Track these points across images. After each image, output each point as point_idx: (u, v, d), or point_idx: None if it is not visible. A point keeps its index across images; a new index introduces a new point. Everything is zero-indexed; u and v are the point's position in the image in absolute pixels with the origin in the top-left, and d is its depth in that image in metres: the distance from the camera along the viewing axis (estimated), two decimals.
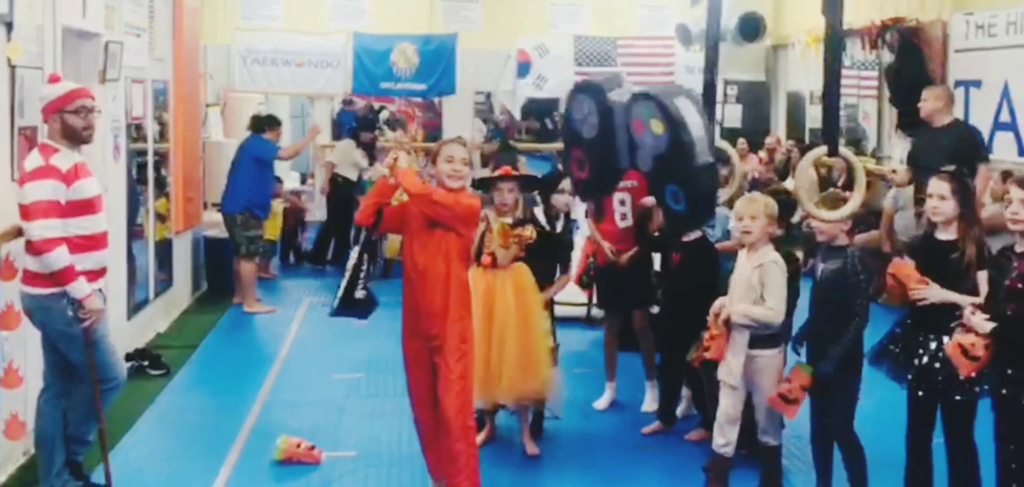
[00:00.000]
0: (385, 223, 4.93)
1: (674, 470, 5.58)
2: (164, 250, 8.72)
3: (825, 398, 4.78)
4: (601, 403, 6.59)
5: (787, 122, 13.95)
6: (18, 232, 4.81)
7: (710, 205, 5.61)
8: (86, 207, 4.74)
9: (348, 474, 5.47)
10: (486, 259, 5.49)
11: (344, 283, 4.99)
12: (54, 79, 5.08)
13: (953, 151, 6.87)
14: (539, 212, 6.05)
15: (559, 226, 6.06)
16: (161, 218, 8.61)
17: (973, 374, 4.19)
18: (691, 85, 13.56)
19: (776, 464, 5.07)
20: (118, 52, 7.11)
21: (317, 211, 12.48)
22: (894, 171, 8.95)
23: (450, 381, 4.74)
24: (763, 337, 4.89)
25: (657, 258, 6.48)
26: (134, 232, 7.80)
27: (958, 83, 9.03)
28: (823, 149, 5.37)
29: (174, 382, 7.13)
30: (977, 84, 8.97)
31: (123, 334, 7.31)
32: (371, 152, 11.83)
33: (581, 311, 8.31)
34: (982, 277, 4.33)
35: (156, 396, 6.74)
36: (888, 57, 10.46)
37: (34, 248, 4.62)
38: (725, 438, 4.99)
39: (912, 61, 9.78)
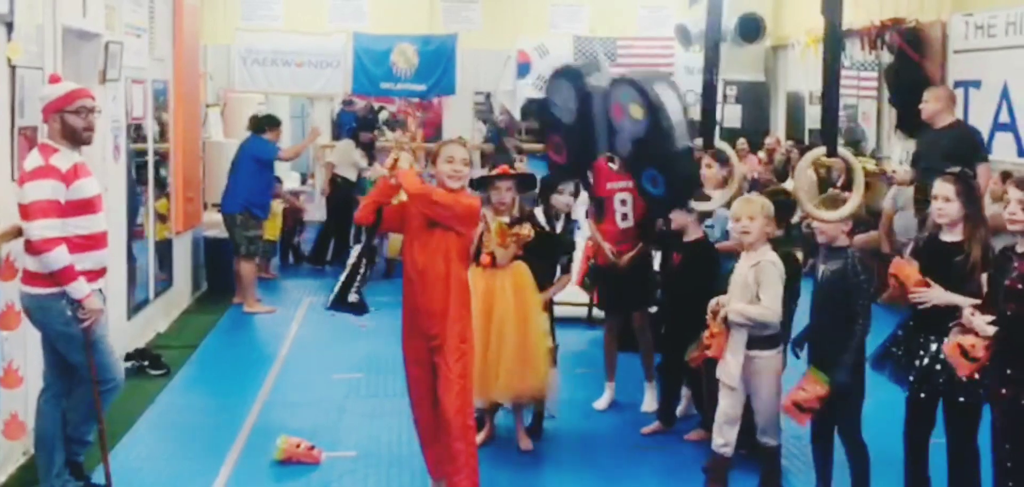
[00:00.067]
0: (385, 223, 4.94)
1: (673, 470, 5.59)
2: (164, 250, 8.72)
3: (832, 400, 4.78)
4: (601, 403, 6.60)
5: (787, 123, 13.96)
6: (18, 232, 4.81)
7: (687, 189, 5.65)
8: (86, 207, 4.74)
9: (348, 474, 5.47)
10: (485, 259, 5.50)
11: (342, 279, 5.01)
12: (54, 79, 5.08)
13: (951, 151, 6.88)
14: (539, 212, 6.05)
15: (559, 226, 6.06)
16: (161, 218, 8.61)
17: (973, 375, 4.19)
18: (690, 86, 13.69)
19: (775, 464, 5.07)
20: (118, 52, 7.12)
21: (316, 212, 12.49)
22: (894, 171, 8.94)
23: (450, 380, 4.75)
24: (762, 338, 4.89)
25: (656, 258, 6.50)
26: (134, 232, 7.80)
27: (958, 84, 9.04)
28: (822, 150, 5.38)
29: (174, 382, 7.13)
30: (976, 85, 8.97)
31: (123, 334, 7.32)
32: (370, 152, 11.84)
33: (582, 311, 8.32)
34: (984, 278, 4.34)
35: (156, 396, 6.74)
36: (888, 58, 10.47)
37: (34, 248, 4.62)
38: (724, 438, 5.00)
39: (912, 62, 9.79)
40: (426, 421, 4.97)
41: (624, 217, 6.36)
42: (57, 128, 4.77)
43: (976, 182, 4.63)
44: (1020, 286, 4.03)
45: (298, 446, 5.60)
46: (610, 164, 6.21)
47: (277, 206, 10.84)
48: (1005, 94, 8.58)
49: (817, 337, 4.84)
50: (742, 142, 11.69)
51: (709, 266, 5.78)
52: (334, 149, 12.08)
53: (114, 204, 7.00)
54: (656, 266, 6.54)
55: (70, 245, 4.62)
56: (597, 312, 7.77)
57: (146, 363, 7.28)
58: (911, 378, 4.53)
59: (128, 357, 7.18)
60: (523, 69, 13.83)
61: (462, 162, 4.80)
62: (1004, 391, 4.06)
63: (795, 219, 6.23)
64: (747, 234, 4.92)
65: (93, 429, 4.97)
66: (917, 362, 4.49)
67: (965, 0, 9.26)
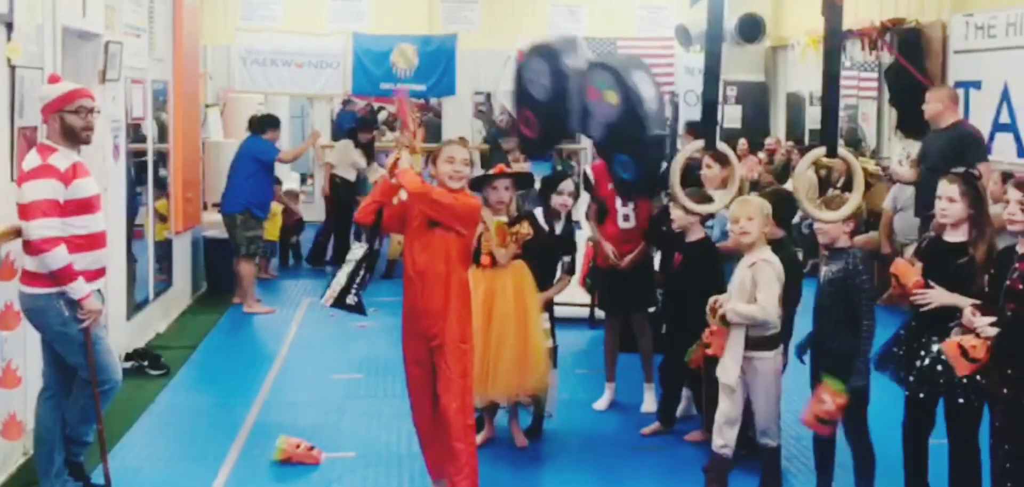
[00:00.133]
0: (386, 224, 4.94)
1: (673, 471, 5.58)
2: (164, 250, 8.72)
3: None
4: (601, 404, 6.60)
5: (787, 123, 13.96)
6: (18, 232, 4.80)
7: (657, 175, 5.84)
8: (85, 207, 4.74)
9: (347, 474, 5.47)
10: (485, 259, 5.50)
11: (344, 281, 5.01)
12: (54, 79, 5.08)
13: (949, 151, 6.88)
14: (539, 213, 6.04)
15: (558, 227, 6.06)
16: (161, 218, 8.61)
17: (972, 375, 4.19)
18: (690, 86, 13.68)
19: (776, 465, 5.07)
20: (118, 52, 7.11)
21: (315, 212, 12.49)
22: (900, 163, 8.92)
23: (450, 380, 4.75)
24: (761, 339, 4.88)
25: (656, 258, 6.50)
26: (134, 232, 7.79)
27: (958, 84, 9.03)
28: (822, 150, 5.37)
29: (174, 382, 7.13)
30: (977, 85, 8.97)
31: (123, 334, 7.32)
32: (369, 152, 11.83)
33: (584, 312, 8.31)
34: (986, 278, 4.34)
35: (156, 396, 6.74)
36: (888, 58, 10.47)
37: (33, 247, 4.62)
38: (724, 439, 4.99)
39: (912, 62, 9.78)
40: (426, 421, 4.97)
41: (626, 218, 6.36)
42: (56, 128, 4.77)
43: (981, 182, 4.61)
44: (1021, 287, 4.04)
45: (298, 446, 5.60)
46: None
47: (276, 207, 10.84)
48: (1005, 95, 8.58)
49: (821, 341, 4.83)
50: (742, 143, 11.69)
51: (711, 267, 5.77)
52: (333, 149, 12.08)
53: (114, 204, 7.00)
54: (656, 266, 6.55)
55: (69, 245, 4.62)
56: (599, 313, 7.76)
57: (146, 363, 7.28)
58: (911, 378, 4.53)
59: (128, 357, 7.18)
60: None
61: (463, 162, 4.79)
62: (1005, 391, 4.06)
63: (795, 220, 6.23)
64: (746, 235, 4.92)
65: (92, 430, 4.97)
66: (917, 362, 4.48)
67: (965, 1, 9.25)
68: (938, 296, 4.39)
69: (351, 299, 5.01)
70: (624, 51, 13.62)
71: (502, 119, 14.41)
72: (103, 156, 6.76)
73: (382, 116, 15.09)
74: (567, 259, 6.01)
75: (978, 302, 4.21)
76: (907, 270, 4.55)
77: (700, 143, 5.21)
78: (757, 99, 14.35)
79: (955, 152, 6.79)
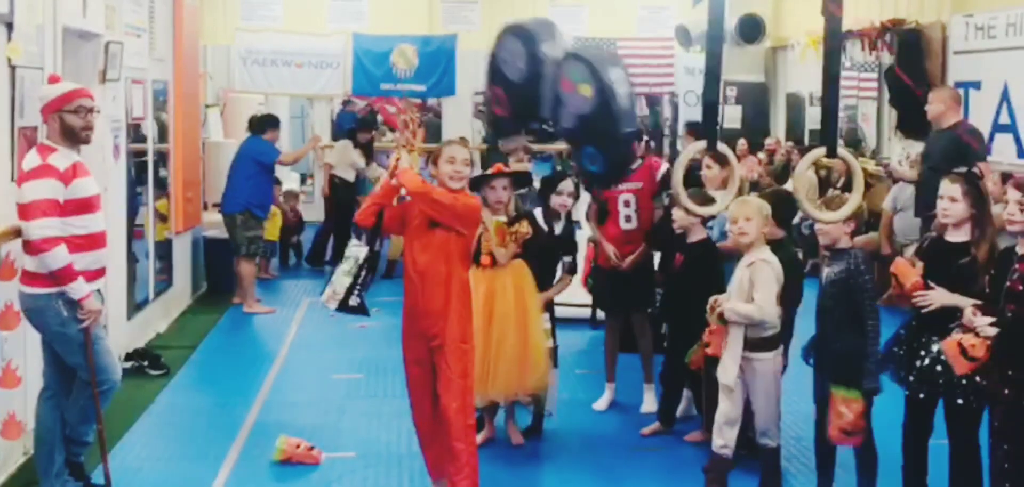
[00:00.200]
0: (386, 225, 4.94)
1: (673, 471, 5.58)
2: (164, 250, 8.72)
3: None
4: (600, 404, 6.60)
5: (787, 124, 13.96)
6: (17, 232, 4.81)
7: (623, 170, 6.04)
8: (84, 206, 4.74)
9: (348, 474, 5.47)
10: (485, 260, 5.50)
11: (347, 283, 5.01)
12: (53, 79, 5.08)
13: (950, 152, 6.88)
14: (539, 214, 6.04)
15: (558, 227, 6.05)
16: (161, 218, 8.61)
17: (971, 375, 4.19)
18: (690, 87, 13.68)
19: (775, 466, 5.07)
20: (118, 52, 7.11)
21: (315, 212, 12.48)
22: (899, 163, 8.92)
23: (451, 380, 4.75)
24: (761, 340, 4.88)
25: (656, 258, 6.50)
26: (134, 232, 7.80)
27: (958, 85, 9.03)
28: (822, 150, 5.37)
29: (174, 382, 7.12)
30: (977, 86, 8.97)
31: (123, 334, 7.32)
32: (368, 152, 11.83)
33: (586, 312, 8.31)
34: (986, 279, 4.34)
35: (156, 396, 6.74)
36: (888, 59, 10.47)
37: (33, 247, 4.62)
38: (724, 439, 5.00)
39: (910, 64, 9.78)
40: (426, 421, 4.97)
41: (628, 219, 6.36)
42: (56, 128, 4.77)
43: (983, 182, 4.61)
44: (1021, 288, 4.04)
45: (298, 447, 5.60)
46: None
47: (275, 208, 10.84)
48: (1005, 95, 8.58)
49: (824, 342, 4.82)
50: (742, 143, 11.70)
51: (712, 268, 5.77)
52: (332, 149, 12.09)
53: (114, 204, 7.00)
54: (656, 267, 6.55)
55: (69, 245, 4.62)
56: (601, 313, 7.75)
57: (146, 363, 7.28)
58: (910, 378, 4.53)
59: (128, 357, 7.18)
60: None
61: (463, 162, 4.80)
62: (1006, 392, 4.06)
63: (795, 220, 6.22)
64: (744, 235, 4.92)
65: (92, 430, 4.97)
66: (917, 362, 4.48)
67: (965, 1, 9.25)
68: (939, 297, 4.39)
69: (354, 300, 5.03)
70: (625, 46, 13.66)
71: None
72: (103, 156, 6.76)
73: (381, 117, 15.07)
74: (568, 259, 6.01)
75: (979, 303, 4.22)
76: (906, 270, 4.55)
77: (702, 144, 5.20)
78: (757, 99, 14.35)
79: (957, 152, 6.79)
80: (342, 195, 11.35)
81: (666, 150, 13.95)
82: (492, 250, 5.49)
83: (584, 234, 7.25)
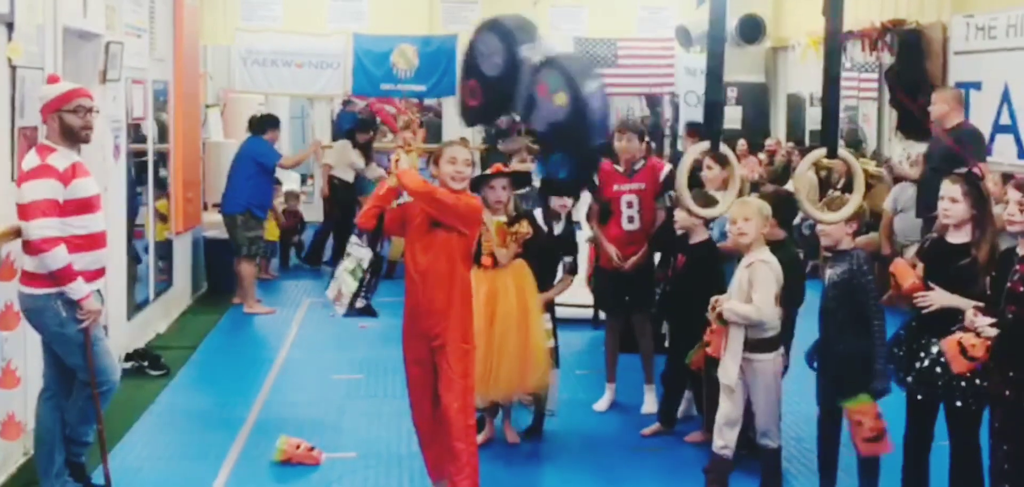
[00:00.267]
0: (387, 226, 4.94)
1: (674, 471, 5.58)
2: (164, 250, 8.72)
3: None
4: (601, 404, 6.59)
5: (787, 124, 13.95)
6: (17, 232, 4.80)
7: (587, 179, 6.15)
8: (84, 206, 4.74)
9: (348, 475, 5.47)
10: (486, 260, 5.50)
11: (354, 288, 5.02)
12: (53, 79, 5.08)
13: (947, 153, 6.88)
14: (539, 214, 6.04)
15: (558, 228, 6.05)
16: (161, 218, 8.61)
17: (970, 376, 4.19)
18: (691, 87, 13.67)
19: (776, 466, 5.07)
20: (118, 52, 7.11)
21: (315, 213, 12.47)
22: (900, 162, 8.92)
23: (451, 380, 4.75)
24: (761, 341, 4.88)
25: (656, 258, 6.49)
26: (134, 232, 7.79)
27: (958, 85, 9.03)
28: (822, 151, 5.37)
29: (174, 382, 7.12)
30: (977, 86, 8.96)
31: (123, 334, 7.32)
32: (367, 152, 11.82)
33: (588, 312, 8.29)
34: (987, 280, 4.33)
35: (156, 396, 6.74)
36: (888, 59, 10.46)
37: (33, 247, 4.62)
38: (724, 440, 4.99)
39: (911, 64, 9.78)
40: (426, 422, 4.97)
41: (630, 220, 6.36)
42: (55, 128, 4.77)
43: (984, 183, 4.61)
44: (1021, 289, 4.04)
45: (298, 447, 5.60)
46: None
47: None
48: (1006, 96, 8.57)
49: (828, 344, 4.82)
50: (742, 144, 11.69)
51: (714, 269, 5.77)
52: (331, 150, 12.09)
53: (114, 204, 7.00)
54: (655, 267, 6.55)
55: (69, 245, 4.61)
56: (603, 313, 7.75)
57: (146, 363, 7.28)
58: (909, 379, 4.53)
59: (128, 357, 7.18)
60: None
61: (465, 163, 4.79)
62: (1007, 393, 4.06)
63: (796, 220, 6.22)
64: (743, 236, 4.92)
65: (92, 430, 4.96)
66: (917, 363, 4.48)
67: (966, 1, 9.25)
68: (939, 298, 4.39)
69: (360, 302, 5.05)
70: (625, 47, 13.66)
71: (504, 120, 14.41)
72: (103, 156, 6.76)
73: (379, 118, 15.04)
74: (569, 259, 6.01)
75: (980, 304, 4.21)
76: (905, 271, 4.55)
77: (706, 145, 5.19)
78: (757, 100, 14.34)
79: (954, 153, 6.79)
80: (341, 195, 11.34)
81: (667, 151, 13.94)
82: (493, 251, 5.49)
83: (584, 234, 7.24)
